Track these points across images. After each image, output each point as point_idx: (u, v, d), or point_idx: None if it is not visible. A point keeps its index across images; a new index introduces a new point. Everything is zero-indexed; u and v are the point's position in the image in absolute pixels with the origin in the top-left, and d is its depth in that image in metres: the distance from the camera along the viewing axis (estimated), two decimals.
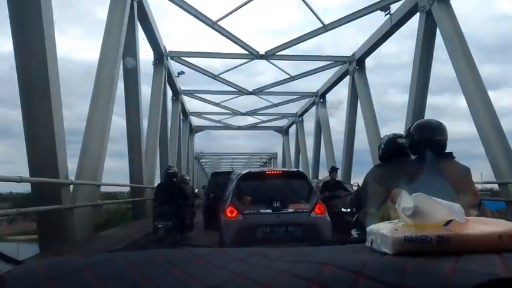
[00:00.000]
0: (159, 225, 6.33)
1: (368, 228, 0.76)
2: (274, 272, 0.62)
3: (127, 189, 12.24)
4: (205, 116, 25.72)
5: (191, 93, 20.45)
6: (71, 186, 6.36)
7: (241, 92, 19.20)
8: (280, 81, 18.18)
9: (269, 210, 5.58)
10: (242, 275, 0.62)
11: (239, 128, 28.25)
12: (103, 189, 9.11)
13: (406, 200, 0.72)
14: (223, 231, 5.62)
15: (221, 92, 19.97)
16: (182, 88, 19.65)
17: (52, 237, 5.56)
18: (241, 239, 5.22)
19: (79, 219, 6.40)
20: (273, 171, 7.22)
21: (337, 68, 16.59)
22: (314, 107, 21.10)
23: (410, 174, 1.74)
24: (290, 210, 5.63)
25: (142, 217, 10.91)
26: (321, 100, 20.01)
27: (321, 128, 19.95)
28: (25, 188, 6.02)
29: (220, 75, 17.09)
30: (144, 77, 12.44)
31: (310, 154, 23.40)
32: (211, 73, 16.85)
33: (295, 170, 9.07)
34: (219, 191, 7.83)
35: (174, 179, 7.21)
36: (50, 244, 5.47)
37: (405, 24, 11.42)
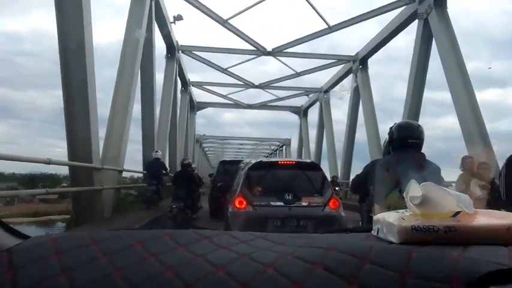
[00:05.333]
0: (173, 206, 7.73)
1: (374, 217, 0.74)
2: (279, 255, 0.62)
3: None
4: (208, 87, 20.99)
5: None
6: None
7: (259, 51, 14.70)
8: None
9: (281, 203, 5.27)
10: (247, 256, 0.62)
11: (249, 106, 23.60)
12: None
13: (414, 189, 0.70)
14: (231, 222, 5.35)
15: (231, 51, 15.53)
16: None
17: None
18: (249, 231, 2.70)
19: None
20: (286, 161, 7.11)
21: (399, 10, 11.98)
22: (350, 77, 16.35)
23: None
24: (303, 203, 5.33)
25: (94, 222, 6.34)
26: (360, 66, 15.21)
27: (362, 104, 15.20)
28: None
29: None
30: None
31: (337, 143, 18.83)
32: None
33: (309, 161, 9.12)
34: (227, 179, 7.74)
35: (189, 169, 8.76)
36: None
37: None
